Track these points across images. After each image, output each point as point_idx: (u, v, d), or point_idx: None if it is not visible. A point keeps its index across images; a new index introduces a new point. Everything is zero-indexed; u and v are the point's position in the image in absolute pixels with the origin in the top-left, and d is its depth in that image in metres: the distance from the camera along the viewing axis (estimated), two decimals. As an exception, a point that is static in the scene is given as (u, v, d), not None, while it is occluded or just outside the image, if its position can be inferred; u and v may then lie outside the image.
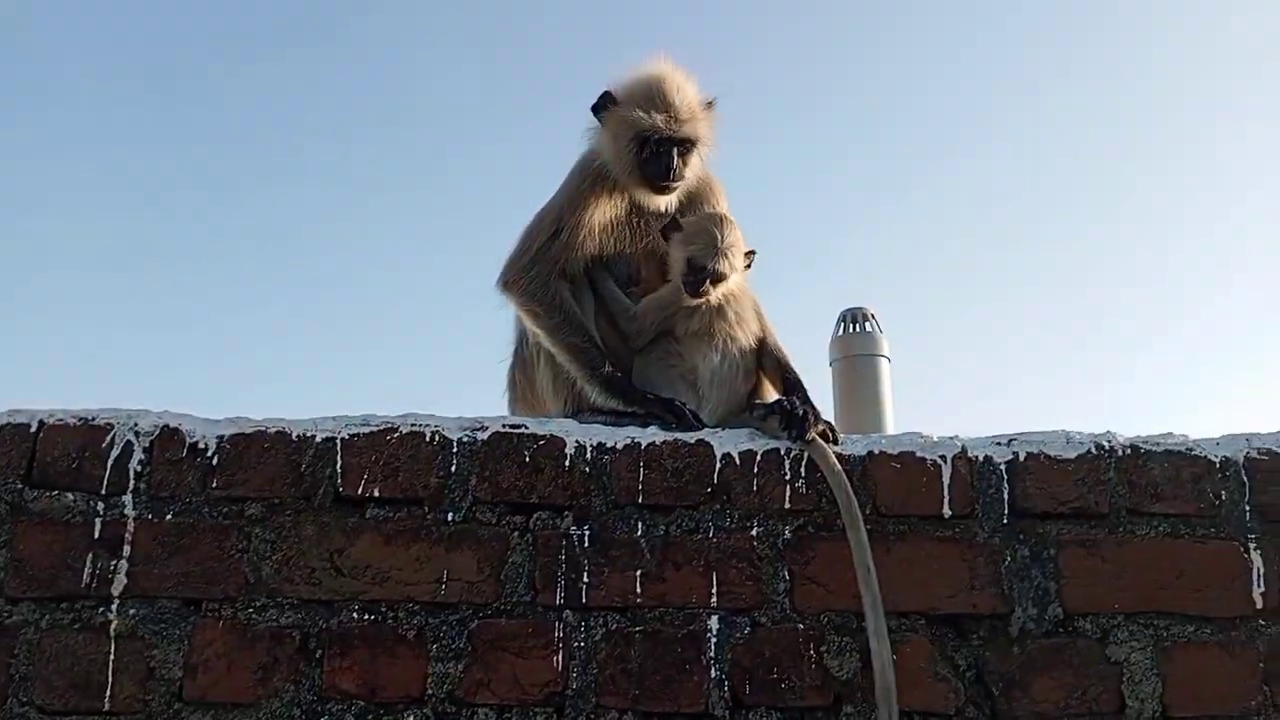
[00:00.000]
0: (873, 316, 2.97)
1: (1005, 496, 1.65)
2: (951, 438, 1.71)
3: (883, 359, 2.69)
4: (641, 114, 1.99)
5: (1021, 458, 1.68)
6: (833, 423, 1.75)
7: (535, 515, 1.62)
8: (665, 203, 2.06)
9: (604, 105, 2.07)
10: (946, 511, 1.64)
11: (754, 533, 1.62)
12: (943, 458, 1.67)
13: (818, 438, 1.68)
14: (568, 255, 1.97)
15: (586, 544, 1.60)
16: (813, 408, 1.75)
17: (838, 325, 3.04)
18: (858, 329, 2.88)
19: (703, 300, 1.96)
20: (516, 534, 1.60)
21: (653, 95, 2.03)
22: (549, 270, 1.96)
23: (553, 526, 1.61)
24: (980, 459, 1.67)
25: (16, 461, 1.58)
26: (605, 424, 1.77)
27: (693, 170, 2.08)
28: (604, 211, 2.01)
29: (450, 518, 1.61)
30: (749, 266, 2.08)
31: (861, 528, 1.57)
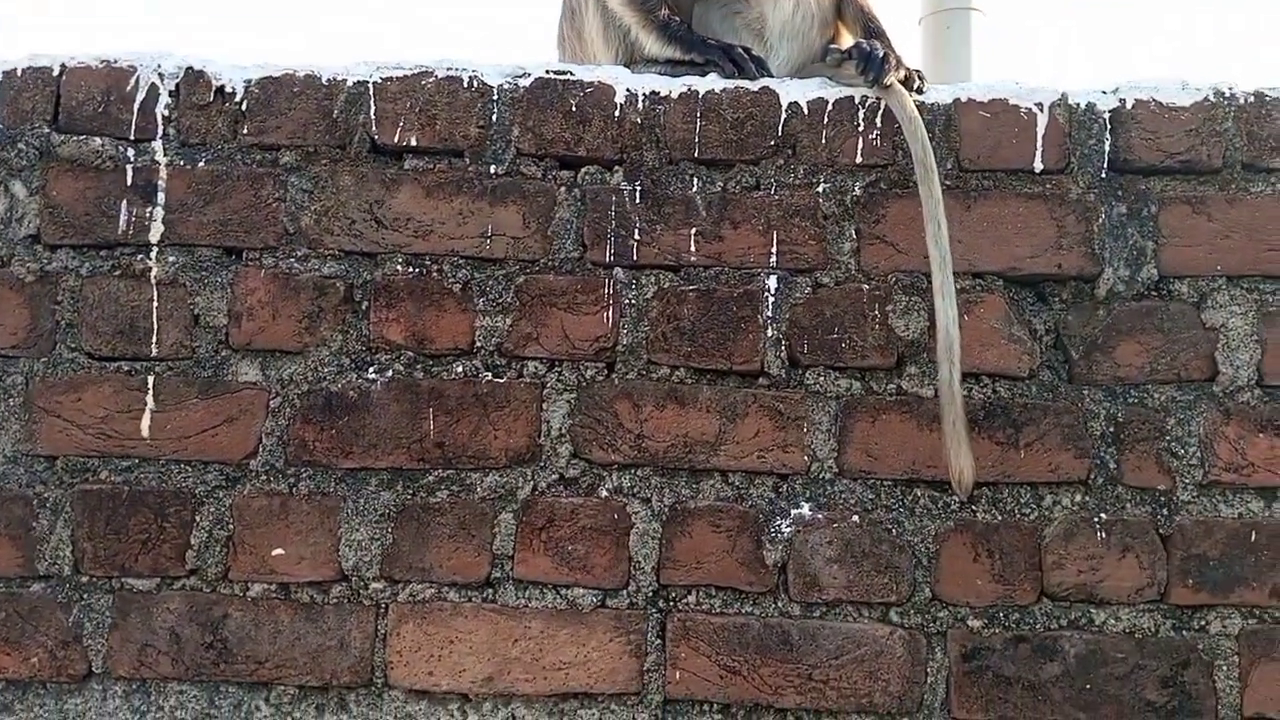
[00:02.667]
0: (970, -37, 2.62)
1: (1105, 149, 1.48)
2: (1050, 86, 1.52)
3: (974, 12, 2.39)
4: None
5: (1129, 105, 1.49)
6: (921, 71, 1.55)
7: (583, 170, 1.50)
8: None
9: None
10: (1038, 165, 1.48)
11: (820, 189, 1.49)
12: (1039, 105, 1.49)
13: (897, 84, 1.50)
14: None
15: (638, 200, 1.49)
16: (894, 53, 1.55)
17: (928, -25, 2.71)
18: (949, -22, 2.56)
19: None
20: (563, 189, 1.50)
21: None
22: None
23: (602, 181, 1.50)
24: (1081, 106, 1.49)
25: (41, 106, 1.50)
26: (659, 74, 1.62)
27: None
28: None
29: (493, 170, 1.50)
30: None
31: (935, 180, 1.43)
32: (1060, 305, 1.46)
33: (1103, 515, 1.41)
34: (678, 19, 1.68)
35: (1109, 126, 1.49)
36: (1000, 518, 1.41)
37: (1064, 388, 1.44)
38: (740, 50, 1.60)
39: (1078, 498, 1.42)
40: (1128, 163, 1.48)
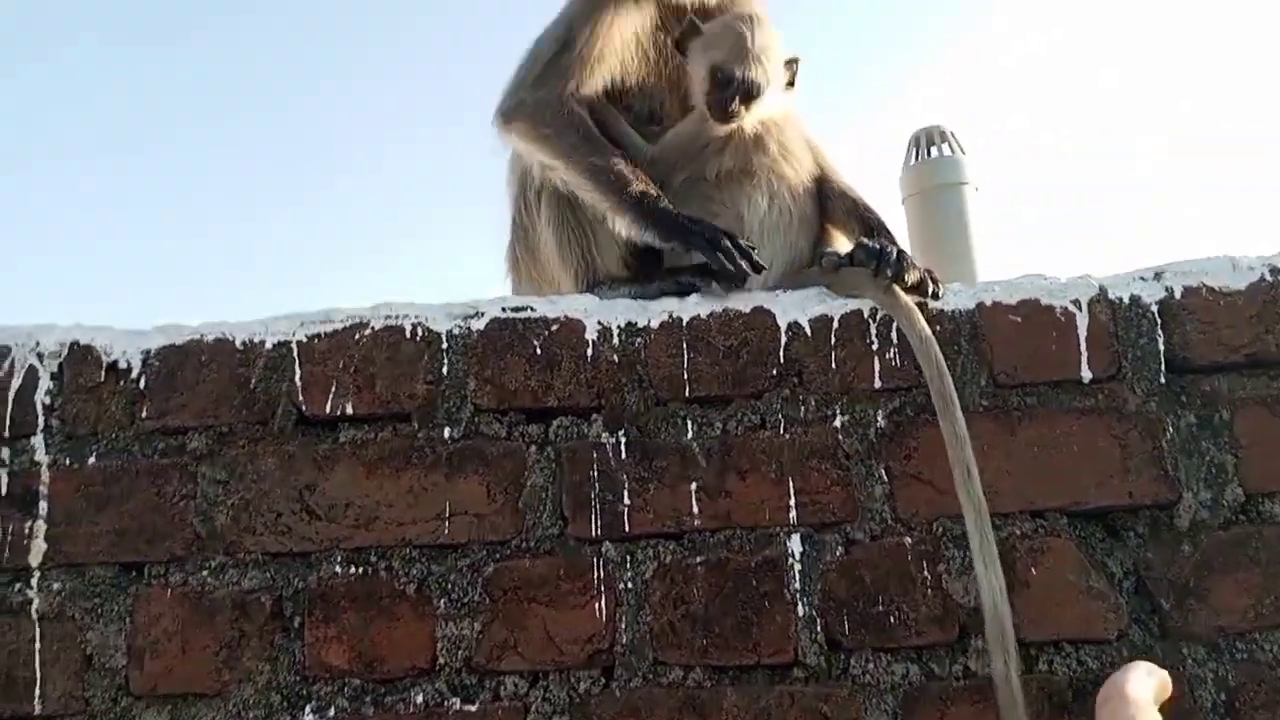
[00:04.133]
0: (952, 136, 2.42)
1: (1160, 348, 1.27)
2: (1082, 277, 1.32)
3: (966, 187, 2.20)
4: None
5: (1177, 294, 1.29)
6: (932, 270, 1.34)
7: (555, 422, 1.26)
8: None
9: None
10: (1085, 374, 1.26)
11: (837, 423, 1.26)
12: (1075, 303, 1.29)
13: (902, 295, 1.29)
14: (581, 73, 1.53)
15: (623, 454, 1.25)
16: (906, 251, 1.34)
17: (909, 153, 2.50)
18: (934, 153, 2.35)
19: (734, 126, 1.53)
20: (534, 448, 1.25)
21: None
22: (561, 86, 1.51)
23: (578, 435, 1.26)
24: (1124, 300, 1.29)
25: (-112, 408, 1.24)
26: (631, 296, 1.39)
27: None
28: (623, 24, 1.56)
29: (447, 434, 1.25)
30: (791, 83, 1.63)
31: (958, 414, 1.20)
32: (1137, 540, 1.22)
33: (1229, 802, 1.14)
34: (654, 193, 1.45)
35: (1159, 321, 1.28)
36: (1110, 823, 1.13)
37: (1158, 647, 1.19)
38: (727, 241, 1.37)
39: (1196, 784, 1.15)
40: (1187, 361, 1.27)
